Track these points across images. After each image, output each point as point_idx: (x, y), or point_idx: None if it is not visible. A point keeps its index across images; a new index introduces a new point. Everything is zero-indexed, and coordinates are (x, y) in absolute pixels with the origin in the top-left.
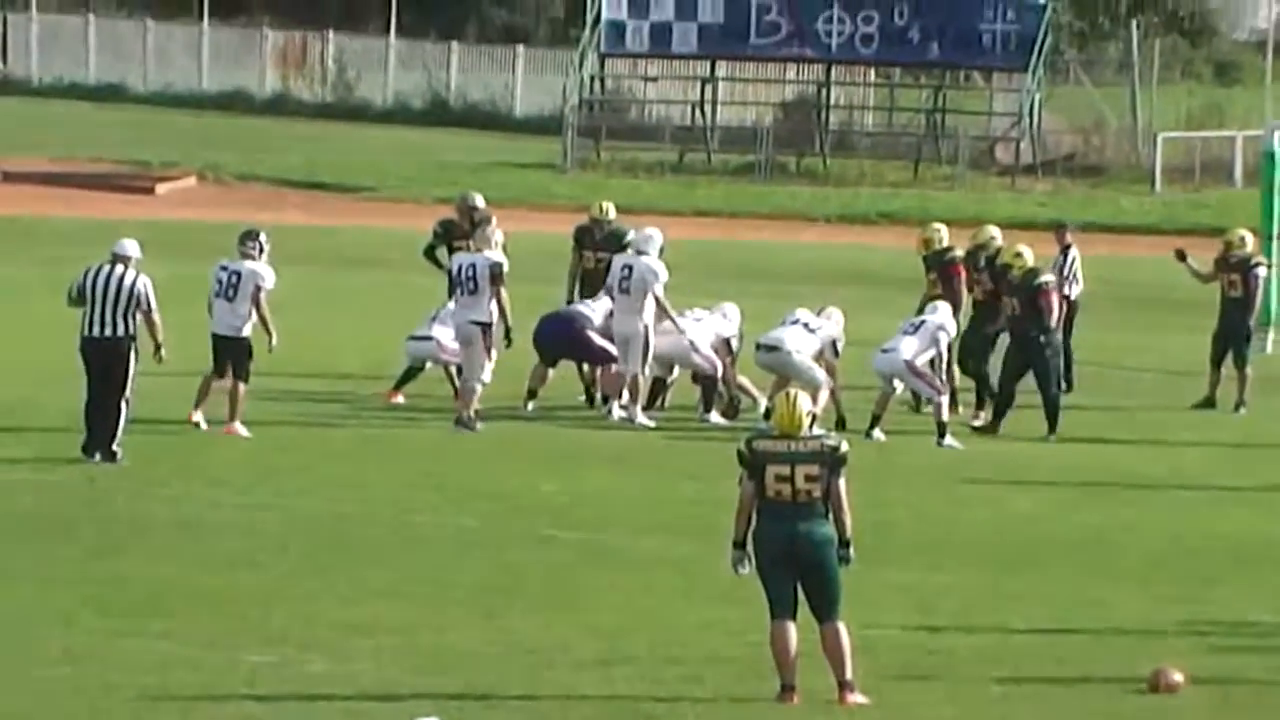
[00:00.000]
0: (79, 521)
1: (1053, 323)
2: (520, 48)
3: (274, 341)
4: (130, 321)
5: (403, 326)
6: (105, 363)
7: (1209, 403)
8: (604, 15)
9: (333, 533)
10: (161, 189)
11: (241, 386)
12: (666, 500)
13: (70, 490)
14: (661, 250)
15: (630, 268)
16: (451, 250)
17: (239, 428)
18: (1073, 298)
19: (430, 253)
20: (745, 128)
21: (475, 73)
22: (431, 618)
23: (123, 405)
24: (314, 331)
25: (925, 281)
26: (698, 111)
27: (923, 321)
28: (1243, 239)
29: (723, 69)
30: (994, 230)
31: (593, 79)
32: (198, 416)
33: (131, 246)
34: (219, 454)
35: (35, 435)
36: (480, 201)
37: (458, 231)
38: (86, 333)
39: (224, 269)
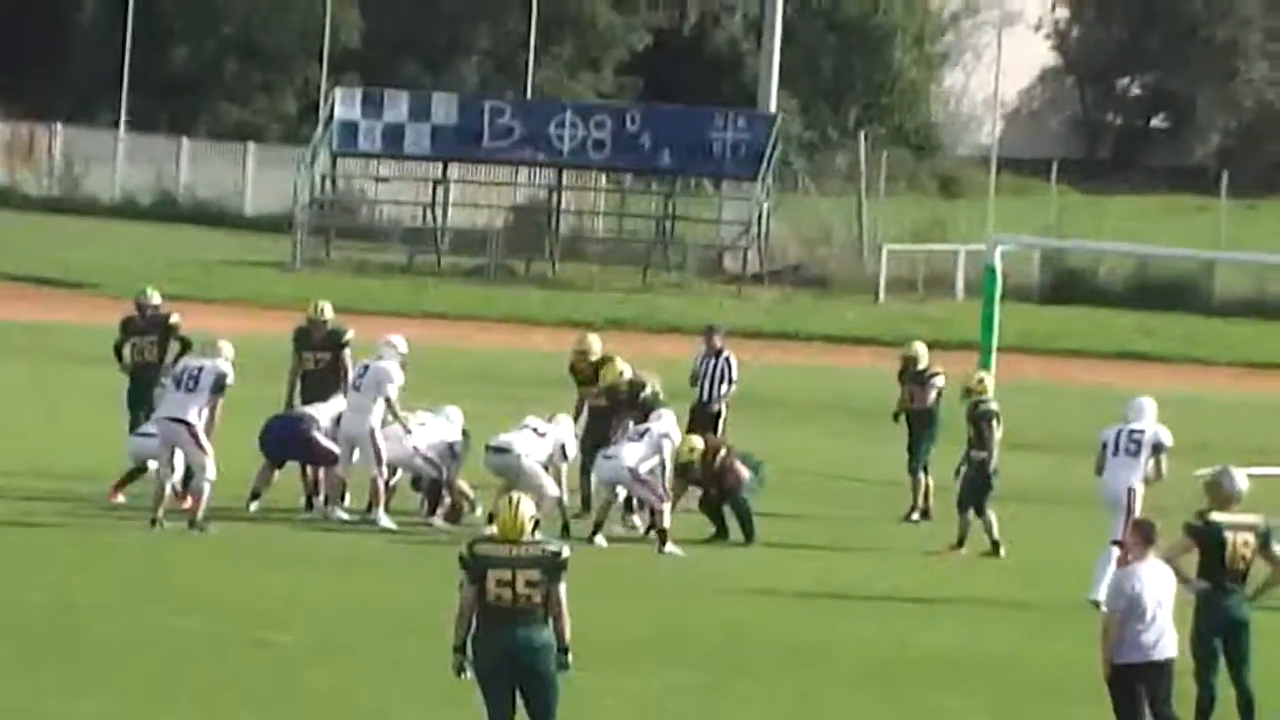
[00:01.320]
0: None
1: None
2: (251, 145)
3: None
4: None
5: (125, 424)
6: None
7: (925, 514)
8: (337, 115)
9: (56, 628)
10: None
11: None
12: (390, 601)
13: None
14: (403, 358)
15: (367, 368)
16: (124, 344)
17: None
18: (724, 399)
19: (118, 349)
20: (476, 230)
21: (206, 168)
22: (156, 715)
23: None
24: (33, 429)
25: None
26: (429, 213)
27: (647, 429)
28: (920, 353)
29: (455, 171)
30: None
31: (324, 178)
32: None
33: None
34: None
35: None
36: (156, 298)
37: (134, 327)
38: None
39: None
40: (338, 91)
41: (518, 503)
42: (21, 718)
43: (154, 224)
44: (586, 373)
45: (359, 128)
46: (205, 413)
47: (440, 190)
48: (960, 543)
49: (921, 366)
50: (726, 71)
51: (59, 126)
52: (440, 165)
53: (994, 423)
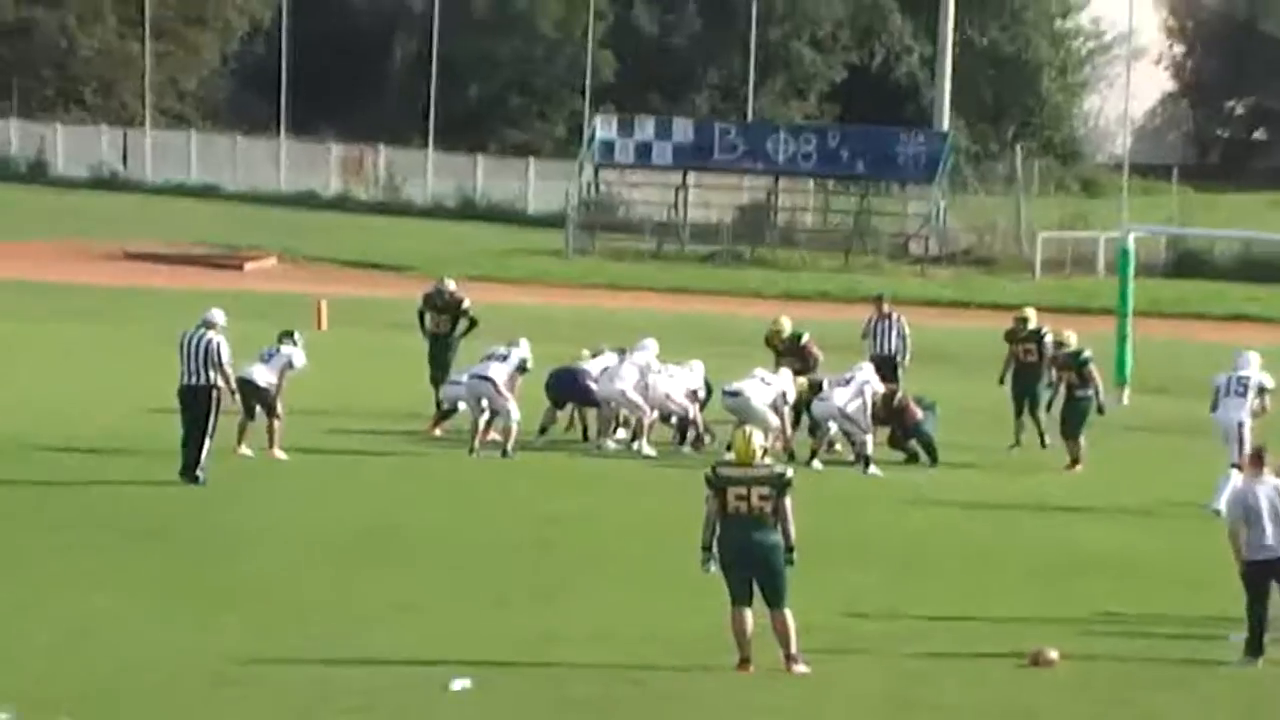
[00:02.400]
0: (177, 528)
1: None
2: (531, 160)
3: (281, 412)
4: (208, 373)
5: (427, 376)
6: (194, 405)
7: (1017, 443)
8: (598, 135)
9: (381, 538)
10: (249, 266)
11: (276, 421)
12: (647, 513)
13: (169, 502)
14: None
15: (627, 352)
16: (424, 315)
17: (278, 453)
18: (903, 354)
19: (421, 319)
20: (710, 224)
21: (496, 179)
22: (464, 605)
23: (205, 440)
24: (366, 380)
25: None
26: (672, 211)
27: (851, 377)
28: (1029, 316)
29: (692, 178)
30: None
31: (589, 185)
32: (244, 450)
33: (217, 315)
34: (286, 476)
35: (142, 457)
36: (451, 284)
37: (432, 304)
38: (182, 383)
39: (270, 350)
40: (598, 118)
41: (750, 434)
42: (364, 605)
43: (457, 222)
44: (778, 345)
45: (615, 145)
46: (508, 377)
47: (681, 193)
48: (1074, 462)
49: (1034, 327)
50: (907, 98)
51: (382, 147)
52: (681, 173)
53: (1091, 367)
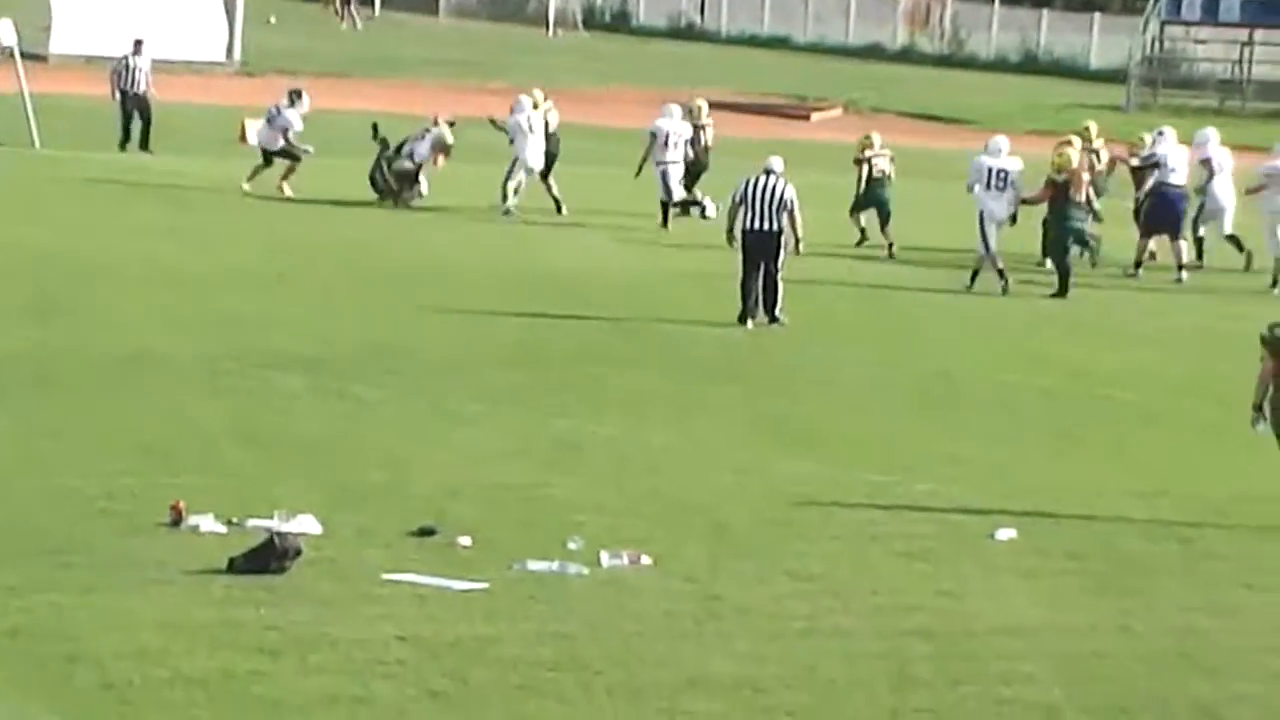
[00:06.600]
0: (747, 369)
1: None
2: (1096, 14)
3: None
4: (779, 218)
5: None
6: (761, 249)
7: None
8: None
9: (935, 388)
10: (815, 117)
11: (279, 162)
12: (1199, 371)
13: (739, 344)
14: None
15: None
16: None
17: (287, 189)
18: None
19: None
20: (1276, 81)
21: (1060, 33)
22: (1012, 456)
23: (779, 281)
24: (925, 226)
25: None
26: (1237, 67)
27: None
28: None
29: (1260, 35)
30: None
31: (1153, 40)
32: (287, 190)
33: (777, 163)
34: (852, 321)
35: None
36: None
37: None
38: (746, 226)
39: (274, 108)
40: None
41: None
42: (913, 456)
43: (1019, 75)
44: None
45: (1182, 1)
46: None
47: (1247, 50)
48: None
49: None
50: None
51: (948, 0)
52: (1248, 30)
53: None
